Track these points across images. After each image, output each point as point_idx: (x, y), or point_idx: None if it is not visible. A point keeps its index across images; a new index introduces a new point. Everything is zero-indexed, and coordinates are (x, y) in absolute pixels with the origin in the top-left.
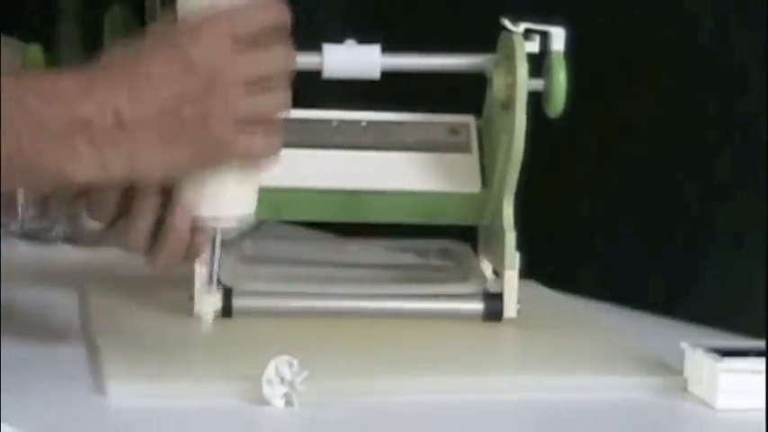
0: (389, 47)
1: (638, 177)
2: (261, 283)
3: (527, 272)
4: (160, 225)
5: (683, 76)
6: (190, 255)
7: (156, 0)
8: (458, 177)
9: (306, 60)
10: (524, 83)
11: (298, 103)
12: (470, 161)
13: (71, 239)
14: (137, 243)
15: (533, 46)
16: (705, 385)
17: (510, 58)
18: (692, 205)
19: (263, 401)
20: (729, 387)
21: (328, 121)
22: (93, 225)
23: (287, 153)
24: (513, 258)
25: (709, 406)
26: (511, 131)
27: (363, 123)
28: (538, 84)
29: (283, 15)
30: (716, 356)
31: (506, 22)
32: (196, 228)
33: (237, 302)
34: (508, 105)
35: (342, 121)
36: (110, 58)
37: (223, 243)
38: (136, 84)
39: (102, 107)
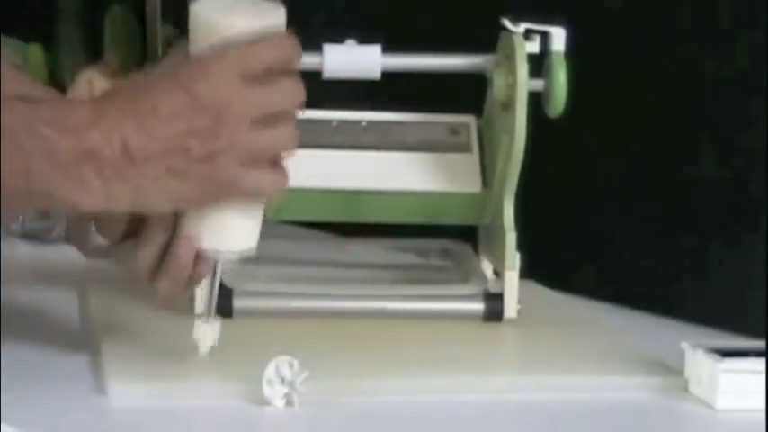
0: (389, 47)
1: (637, 177)
2: (261, 284)
3: (527, 272)
4: (165, 251)
5: (683, 76)
6: (192, 282)
7: (156, 0)
8: (458, 177)
9: (306, 60)
10: (525, 83)
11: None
12: (471, 161)
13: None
14: (142, 268)
15: (533, 46)
16: (705, 385)
17: (510, 58)
18: (692, 205)
19: (264, 401)
20: (730, 387)
21: (328, 122)
22: (99, 240)
23: None
24: (513, 258)
25: (710, 406)
26: (511, 131)
27: (364, 123)
28: (538, 84)
29: (292, 50)
30: (716, 357)
31: (506, 23)
32: (199, 257)
33: (238, 303)
34: (508, 105)
35: (342, 122)
36: (120, 89)
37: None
38: (143, 117)
39: (109, 138)
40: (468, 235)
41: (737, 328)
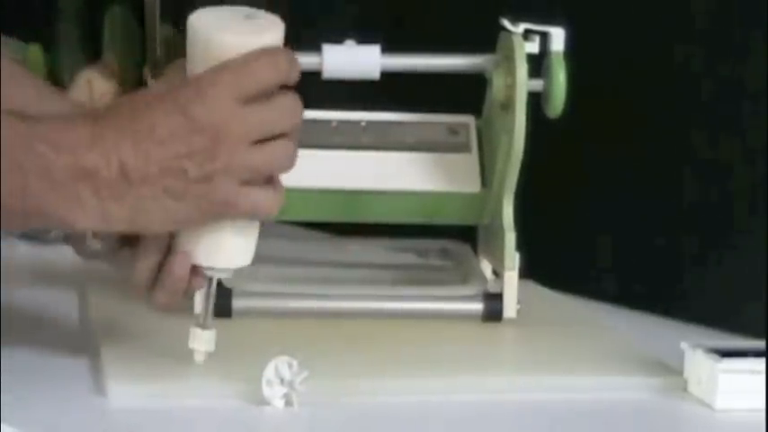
0: (389, 47)
1: (637, 177)
2: (260, 284)
3: (527, 272)
4: (161, 264)
5: (683, 76)
6: (187, 294)
7: (155, 0)
8: (457, 177)
9: (306, 61)
10: (524, 83)
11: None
12: (470, 161)
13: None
14: (139, 280)
15: (533, 46)
16: (705, 386)
17: (510, 58)
18: (692, 205)
19: (263, 402)
20: (729, 387)
21: (328, 122)
22: (95, 244)
23: None
24: (512, 259)
25: (709, 406)
26: (510, 132)
27: (363, 123)
28: (537, 84)
29: (289, 66)
30: (716, 357)
31: (506, 23)
32: (194, 270)
33: (237, 303)
34: (508, 106)
35: (341, 122)
36: (119, 107)
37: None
38: (141, 138)
39: (107, 157)
40: (468, 235)
41: (737, 328)
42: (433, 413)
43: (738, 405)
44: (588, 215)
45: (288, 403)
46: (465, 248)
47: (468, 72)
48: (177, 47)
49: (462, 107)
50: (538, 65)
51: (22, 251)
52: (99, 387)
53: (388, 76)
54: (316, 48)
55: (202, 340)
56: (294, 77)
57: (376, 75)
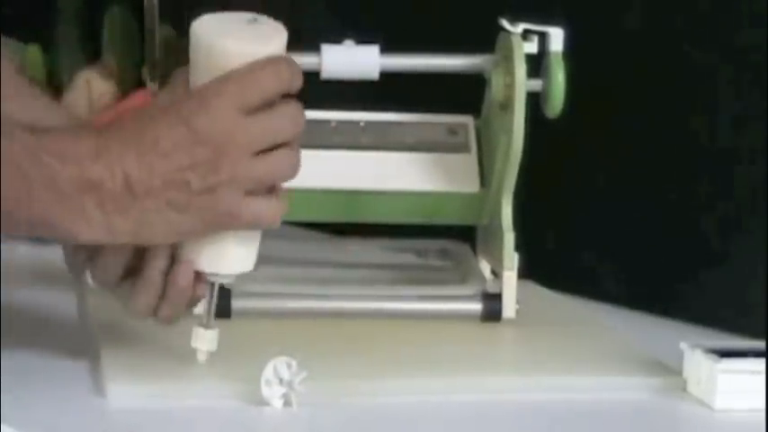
0: (388, 47)
1: (637, 177)
2: (260, 284)
3: (526, 272)
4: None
5: (683, 76)
6: (191, 304)
7: (154, 1)
8: (456, 177)
9: (304, 61)
10: (523, 83)
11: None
12: (469, 161)
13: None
14: (142, 310)
15: (532, 46)
16: (704, 386)
17: (508, 58)
18: (692, 205)
19: (262, 402)
20: (728, 388)
21: (327, 122)
22: (91, 282)
23: None
24: (511, 259)
25: (708, 406)
26: (509, 132)
27: (362, 124)
28: (536, 84)
29: (291, 75)
30: (715, 357)
31: (505, 23)
32: (197, 278)
33: (236, 303)
34: (507, 106)
35: (340, 122)
36: (124, 119)
37: None
38: (145, 151)
39: (111, 170)
40: (468, 235)
41: (737, 329)
42: (433, 413)
43: (738, 405)
44: (588, 215)
45: (287, 403)
46: (464, 248)
47: (467, 72)
48: (177, 48)
49: (461, 107)
50: (537, 65)
51: (22, 251)
52: (98, 387)
53: (387, 76)
54: (315, 48)
55: (205, 339)
56: (296, 86)
57: (375, 75)
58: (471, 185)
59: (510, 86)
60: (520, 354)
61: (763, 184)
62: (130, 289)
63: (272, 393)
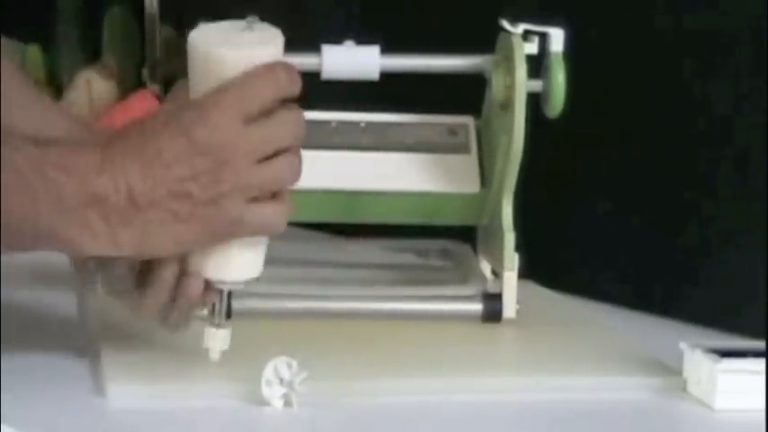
0: (388, 48)
1: (637, 177)
2: (260, 285)
3: (526, 272)
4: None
5: (683, 77)
6: (200, 308)
7: (154, 2)
8: (457, 178)
9: (305, 61)
10: (523, 84)
11: (297, 103)
12: (469, 162)
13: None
14: (152, 316)
15: (532, 47)
16: (704, 386)
17: (509, 59)
18: (691, 205)
19: (263, 402)
20: (728, 388)
21: (327, 122)
22: (103, 292)
23: None
24: (512, 259)
25: (708, 406)
26: (510, 132)
27: (362, 124)
28: (537, 85)
29: (290, 81)
30: (715, 357)
31: (505, 24)
32: (206, 285)
33: (236, 304)
34: (507, 106)
35: (341, 122)
36: (127, 132)
37: None
38: (148, 163)
39: (116, 182)
40: (469, 235)
41: (737, 329)
42: (433, 413)
43: (738, 405)
44: (587, 215)
45: (287, 404)
46: (465, 249)
47: (467, 72)
48: (177, 48)
49: (462, 107)
50: (537, 65)
51: None
52: (98, 387)
53: (387, 76)
54: (315, 48)
55: (218, 338)
56: (295, 90)
57: (375, 75)
58: (472, 186)
59: (510, 87)
60: (520, 354)
61: (764, 184)
62: (140, 296)
63: (273, 393)
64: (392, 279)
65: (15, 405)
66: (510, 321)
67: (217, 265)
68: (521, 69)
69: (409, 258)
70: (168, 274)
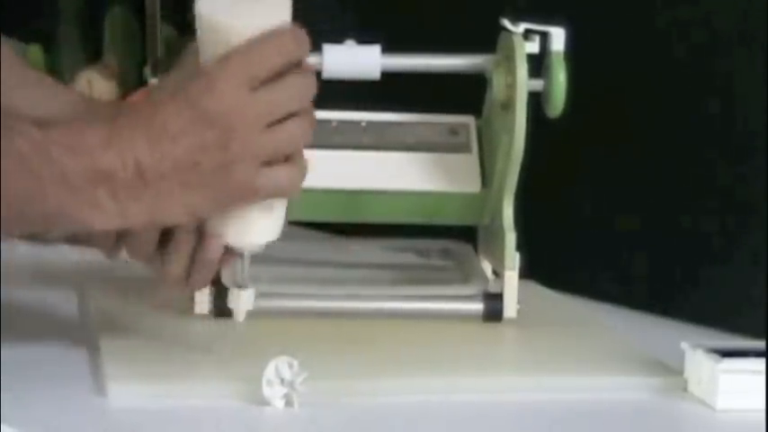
0: (389, 47)
1: (637, 177)
2: (261, 284)
3: (527, 272)
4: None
5: (683, 76)
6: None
7: (155, 1)
8: (458, 177)
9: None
10: (524, 83)
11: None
12: (470, 161)
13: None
14: (173, 278)
15: (533, 46)
16: (705, 386)
17: (510, 58)
18: (691, 205)
19: (263, 402)
20: (729, 387)
21: (328, 122)
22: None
23: None
24: (512, 259)
25: (710, 406)
26: (511, 131)
27: (363, 124)
28: (537, 84)
29: (298, 45)
30: (716, 357)
31: (506, 23)
32: (226, 249)
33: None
34: (508, 106)
35: (342, 122)
36: (134, 106)
37: None
38: (154, 135)
39: (123, 158)
40: (470, 235)
41: (737, 328)
42: (433, 413)
43: (739, 405)
44: (588, 215)
45: (288, 403)
46: (466, 248)
47: (468, 72)
48: (178, 47)
49: (462, 107)
50: (538, 65)
51: (21, 251)
52: (99, 387)
53: (388, 76)
54: (316, 47)
55: (241, 299)
56: (304, 54)
57: (376, 75)
58: (472, 185)
59: (511, 86)
60: (521, 354)
61: (764, 184)
62: (162, 261)
63: (274, 393)
64: (393, 279)
65: (15, 404)
66: (511, 321)
67: (235, 229)
68: (521, 69)
69: (410, 258)
70: (187, 239)
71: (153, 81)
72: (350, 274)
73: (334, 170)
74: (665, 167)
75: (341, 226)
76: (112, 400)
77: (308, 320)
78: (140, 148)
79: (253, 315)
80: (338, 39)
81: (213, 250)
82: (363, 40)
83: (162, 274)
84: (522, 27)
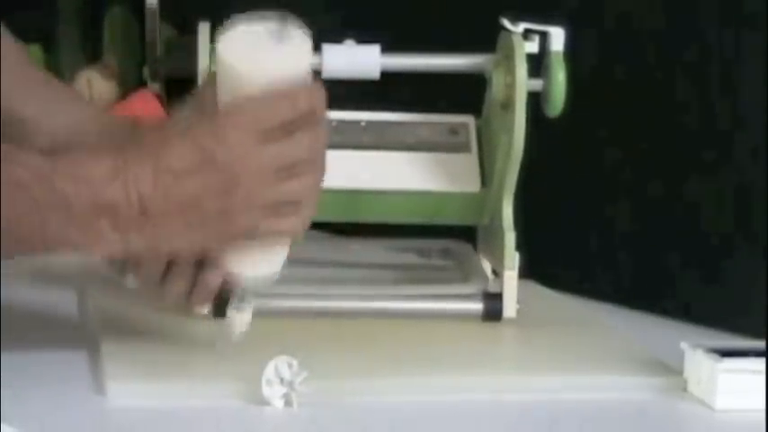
0: (389, 47)
1: (637, 177)
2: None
3: (527, 272)
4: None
5: (684, 76)
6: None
7: (155, 1)
8: (457, 177)
9: None
10: (523, 83)
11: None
12: (470, 161)
13: None
14: (173, 298)
15: (532, 46)
16: (705, 386)
17: (509, 58)
18: (692, 205)
19: (263, 402)
20: (729, 387)
21: (328, 122)
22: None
23: None
24: (512, 258)
25: (709, 406)
26: (510, 131)
27: (363, 123)
28: (537, 84)
29: (315, 103)
30: (716, 357)
31: (506, 23)
32: (227, 276)
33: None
34: (507, 105)
35: (341, 122)
36: (142, 139)
37: None
38: (160, 174)
39: (127, 192)
40: (470, 234)
41: (737, 328)
42: (433, 413)
43: (738, 405)
44: (587, 215)
45: (287, 403)
46: (467, 248)
47: (468, 72)
48: (177, 47)
49: (462, 107)
50: (537, 64)
51: None
52: (99, 386)
53: (388, 75)
54: (316, 47)
55: (236, 322)
56: (319, 110)
57: (376, 75)
58: (472, 185)
59: (511, 86)
60: (520, 353)
61: (764, 184)
62: (163, 284)
63: (273, 393)
64: (393, 278)
65: (15, 403)
66: (510, 321)
67: (237, 261)
68: (521, 68)
69: (410, 258)
70: (188, 264)
71: (152, 84)
72: (350, 274)
73: (334, 170)
74: (664, 167)
75: (341, 226)
76: (112, 400)
77: (307, 320)
78: (145, 184)
79: (253, 315)
80: (338, 38)
81: (212, 279)
82: (363, 39)
83: (162, 293)
84: (521, 27)
